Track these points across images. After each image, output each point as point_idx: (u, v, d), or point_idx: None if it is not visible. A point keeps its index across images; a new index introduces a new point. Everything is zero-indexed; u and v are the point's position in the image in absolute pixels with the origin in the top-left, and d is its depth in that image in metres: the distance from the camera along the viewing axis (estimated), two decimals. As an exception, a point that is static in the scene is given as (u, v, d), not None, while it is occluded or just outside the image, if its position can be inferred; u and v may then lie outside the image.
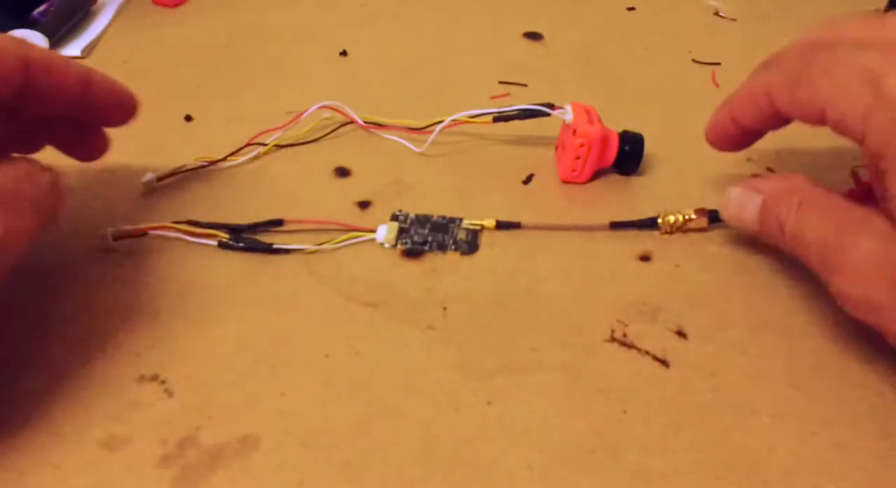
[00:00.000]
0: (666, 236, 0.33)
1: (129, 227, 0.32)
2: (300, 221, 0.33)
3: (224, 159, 0.37)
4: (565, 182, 0.36)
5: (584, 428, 0.25)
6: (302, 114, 0.38)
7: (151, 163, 0.36)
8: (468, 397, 0.26)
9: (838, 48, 0.25)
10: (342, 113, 0.39)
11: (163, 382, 0.26)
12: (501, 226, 0.33)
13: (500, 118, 0.36)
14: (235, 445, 0.24)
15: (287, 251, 0.31)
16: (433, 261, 0.32)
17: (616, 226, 0.33)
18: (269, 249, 0.31)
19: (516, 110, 0.36)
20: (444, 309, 0.29)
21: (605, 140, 0.35)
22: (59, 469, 0.23)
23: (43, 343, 0.27)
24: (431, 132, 0.37)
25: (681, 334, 0.28)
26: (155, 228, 0.32)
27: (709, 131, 0.32)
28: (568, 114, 0.35)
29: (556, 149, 0.38)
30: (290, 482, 0.23)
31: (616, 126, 0.36)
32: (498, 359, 0.27)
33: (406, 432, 0.25)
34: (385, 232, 0.32)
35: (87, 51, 0.48)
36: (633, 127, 0.36)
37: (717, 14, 0.52)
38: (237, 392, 0.26)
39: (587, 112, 0.35)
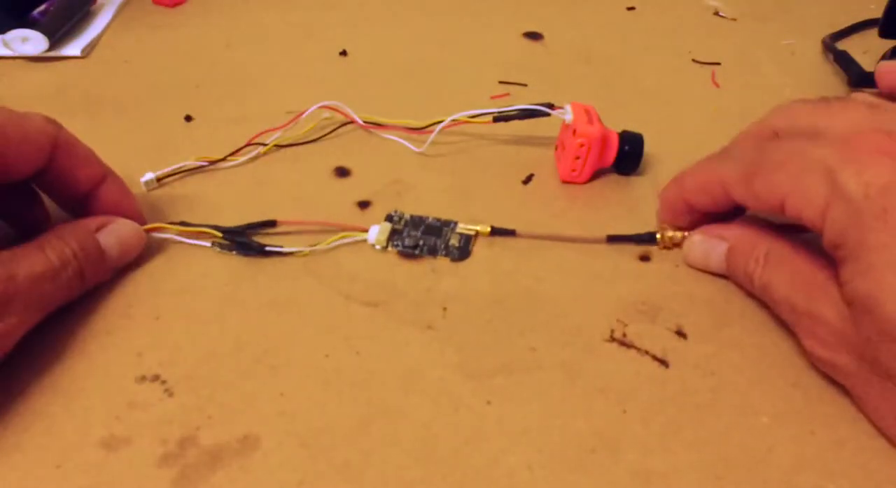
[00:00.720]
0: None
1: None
2: (293, 223, 0.33)
3: (224, 159, 0.37)
4: (565, 182, 0.36)
5: (583, 428, 0.25)
6: (302, 114, 0.38)
7: (151, 164, 0.36)
8: (468, 397, 0.26)
9: (791, 140, 0.25)
10: (342, 113, 0.39)
11: (163, 382, 0.26)
12: (496, 232, 0.33)
13: (500, 118, 0.36)
14: (235, 445, 0.24)
15: (281, 254, 0.31)
16: (433, 261, 0.32)
17: (613, 239, 0.32)
18: (261, 251, 0.31)
19: (516, 110, 0.36)
20: (444, 309, 0.29)
21: (604, 140, 0.35)
22: (60, 469, 0.23)
23: (43, 343, 0.27)
24: (431, 132, 0.37)
25: (680, 334, 0.28)
26: (150, 230, 0.31)
27: (661, 209, 0.32)
28: (568, 114, 0.35)
29: (556, 149, 0.38)
30: (289, 482, 0.23)
31: (616, 126, 0.36)
32: (497, 358, 0.27)
33: (406, 432, 0.25)
34: (376, 233, 0.32)
35: (87, 51, 0.48)
36: (633, 127, 0.36)
37: (717, 14, 0.53)
38: (237, 392, 0.26)
39: (587, 112, 0.35)
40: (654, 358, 0.27)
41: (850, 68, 0.43)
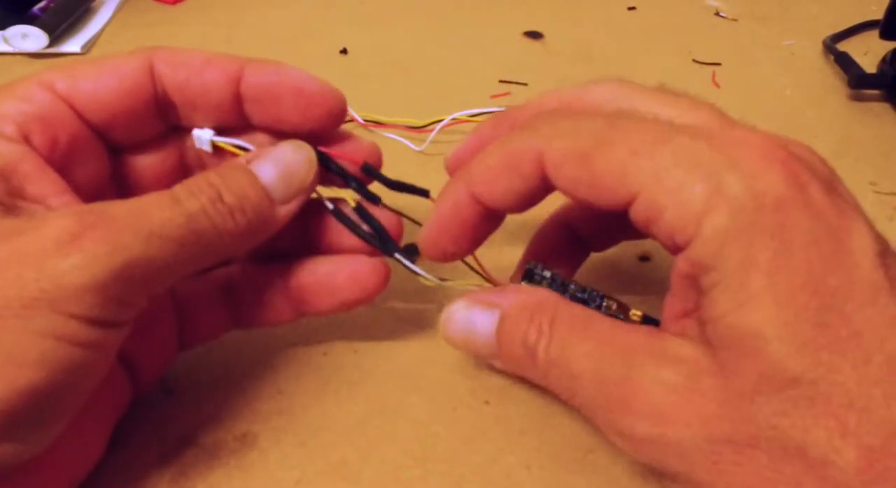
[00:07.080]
0: None
1: None
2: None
3: (223, 157, 0.37)
4: (565, 181, 0.36)
5: (582, 428, 0.25)
6: (302, 112, 0.38)
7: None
8: (466, 396, 0.26)
9: (650, 124, 0.20)
10: (342, 111, 0.39)
11: (162, 381, 0.26)
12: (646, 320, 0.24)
13: (500, 117, 0.36)
14: (233, 443, 0.24)
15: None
16: (432, 259, 0.31)
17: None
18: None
19: (516, 109, 0.36)
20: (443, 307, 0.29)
21: (604, 140, 0.35)
22: (57, 466, 0.23)
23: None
24: (431, 131, 0.37)
25: (679, 334, 0.28)
26: None
27: (433, 230, 0.23)
28: (568, 113, 0.35)
29: (556, 148, 0.38)
30: (287, 480, 0.23)
31: (616, 126, 0.36)
32: (496, 358, 0.27)
33: (404, 431, 0.25)
34: None
35: (87, 47, 0.48)
36: (632, 127, 0.36)
37: (717, 14, 0.52)
38: (235, 390, 0.26)
39: (587, 111, 0.35)
40: (653, 358, 0.27)
41: (850, 69, 0.43)
